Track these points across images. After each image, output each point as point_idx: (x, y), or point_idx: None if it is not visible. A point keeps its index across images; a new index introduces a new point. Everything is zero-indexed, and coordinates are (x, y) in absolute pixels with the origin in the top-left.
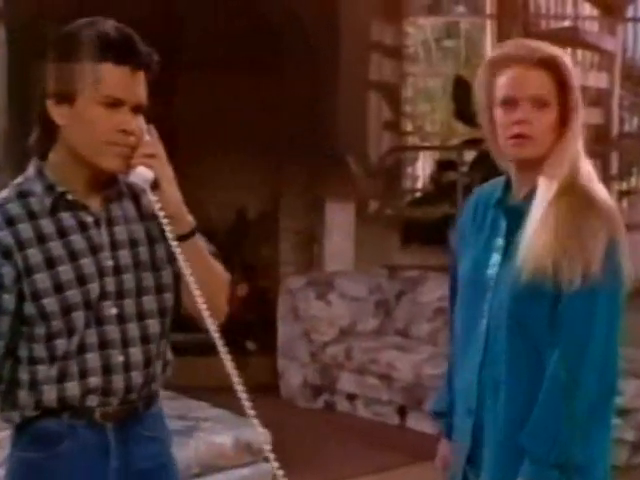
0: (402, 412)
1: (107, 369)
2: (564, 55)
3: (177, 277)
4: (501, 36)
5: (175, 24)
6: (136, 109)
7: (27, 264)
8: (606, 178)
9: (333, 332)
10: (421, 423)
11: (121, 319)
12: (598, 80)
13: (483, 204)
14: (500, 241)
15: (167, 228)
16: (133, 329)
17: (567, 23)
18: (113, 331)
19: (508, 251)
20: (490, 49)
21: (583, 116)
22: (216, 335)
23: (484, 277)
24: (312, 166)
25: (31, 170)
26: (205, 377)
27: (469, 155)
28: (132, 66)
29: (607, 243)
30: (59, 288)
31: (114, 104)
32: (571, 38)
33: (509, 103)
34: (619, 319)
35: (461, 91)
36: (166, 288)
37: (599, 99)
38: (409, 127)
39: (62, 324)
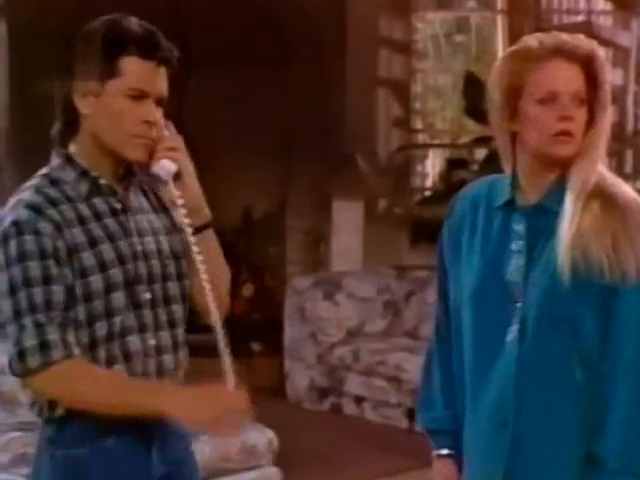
0: (411, 415)
1: (145, 353)
2: (599, 49)
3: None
4: (512, 31)
5: (179, 19)
6: (158, 102)
7: (74, 242)
8: (620, 177)
9: (340, 333)
10: None
11: (153, 303)
12: (612, 76)
13: (485, 205)
14: (519, 245)
15: (186, 220)
16: (162, 313)
17: (580, 18)
18: (147, 315)
19: (533, 255)
20: (501, 45)
21: (611, 115)
22: (218, 326)
23: (503, 283)
24: (319, 164)
25: (57, 159)
26: (209, 379)
27: (480, 153)
28: (157, 61)
29: None
30: (103, 266)
31: (139, 96)
32: (584, 33)
33: (550, 99)
34: None
35: (472, 88)
36: (185, 276)
37: (613, 96)
38: (419, 124)
39: (103, 305)
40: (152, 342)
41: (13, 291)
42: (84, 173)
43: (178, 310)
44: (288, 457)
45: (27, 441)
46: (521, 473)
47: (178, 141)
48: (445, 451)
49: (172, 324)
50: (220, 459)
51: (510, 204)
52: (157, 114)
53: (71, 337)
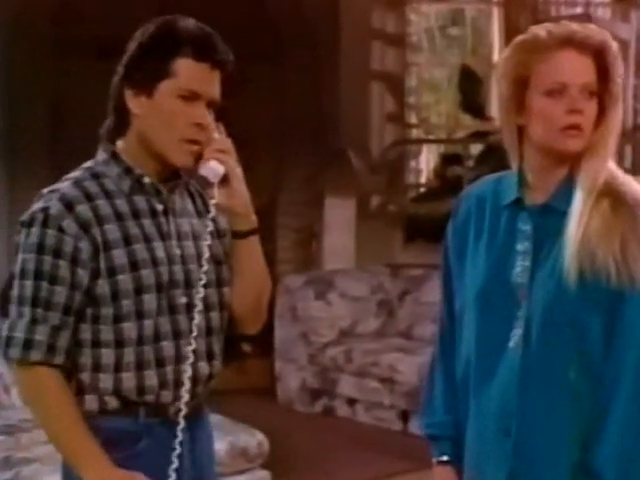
0: (404, 417)
1: (179, 359)
2: (611, 40)
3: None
4: (509, 24)
5: (172, 15)
6: (210, 105)
7: (105, 239)
8: None
9: (333, 333)
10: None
11: (189, 309)
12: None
13: (491, 204)
14: (526, 245)
15: (209, 227)
16: (200, 320)
17: (578, 10)
18: (183, 320)
19: (539, 256)
20: (497, 38)
21: (622, 110)
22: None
23: (509, 286)
24: (311, 160)
25: (103, 154)
26: None
27: (475, 148)
28: (211, 63)
29: None
30: (134, 266)
31: (191, 98)
32: None
33: (558, 91)
34: None
35: (467, 81)
36: (225, 282)
37: None
38: (413, 119)
39: (132, 305)
40: (187, 349)
41: (23, 275)
42: (128, 170)
43: (215, 318)
44: (279, 460)
45: (10, 445)
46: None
47: (228, 144)
48: (445, 457)
49: (209, 331)
50: None
51: (517, 203)
52: (208, 117)
53: (62, 342)
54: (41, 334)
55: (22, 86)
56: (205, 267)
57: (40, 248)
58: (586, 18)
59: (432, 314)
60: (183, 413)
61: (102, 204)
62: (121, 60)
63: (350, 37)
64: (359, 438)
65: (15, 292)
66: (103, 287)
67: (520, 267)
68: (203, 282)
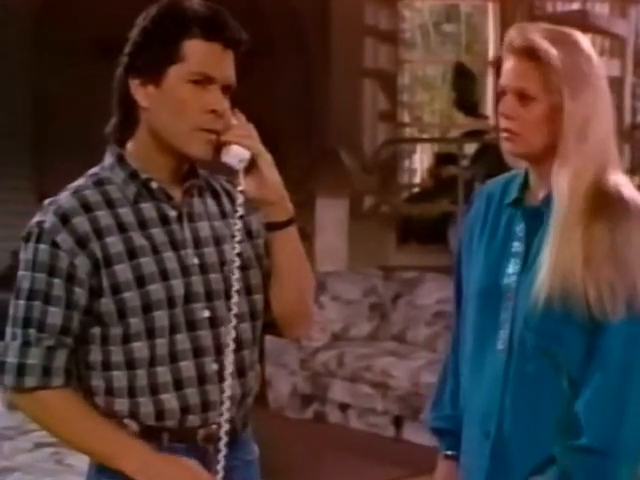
0: (398, 423)
1: (202, 379)
2: (542, 41)
3: (266, 276)
4: (504, 20)
5: None
6: (225, 90)
7: (107, 253)
8: None
9: (324, 337)
10: (418, 435)
11: (213, 323)
12: (609, 67)
13: (497, 202)
14: (518, 246)
15: (238, 223)
16: (225, 334)
17: (575, 6)
18: (206, 337)
19: (528, 259)
20: (493, 34)
21: (590, 112)
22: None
23: (500, 286)
24: (302, 160)
25: (109, 158)
26: None
27: (470, 148)
28: (223, 43)
29: None
30: (141, 281)
31: (204, 82)
32: (579, 22)
33: (501, 95)
34: None
35: (462, 79)
36: (255, 289)
37: (610, 88)
38: (406, 118)
39: (142, 324)
40: (214, 367)
41: (18, 294)
42: (133, 175)
43: (246, 329)
44: (270, 468)
45: None
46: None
47: (250, 129)
48: (450, 452)
49: (239, 345)
50: None
51: (517, 203)
52: (224, 103)
53: (58, 362)
54: (34, 357)
55: (2, 85)
56: (236, 274)
57: (33, 265)
58: (582, 14)
59: (426, 317)
60: (224, 439)
61: (102, 215)
62: (123, 49)
63: (341, 33)
64: (351, 445)
65: (10, 312)
66: (108, 306)
67: (512, 269)
68: (236, 288)
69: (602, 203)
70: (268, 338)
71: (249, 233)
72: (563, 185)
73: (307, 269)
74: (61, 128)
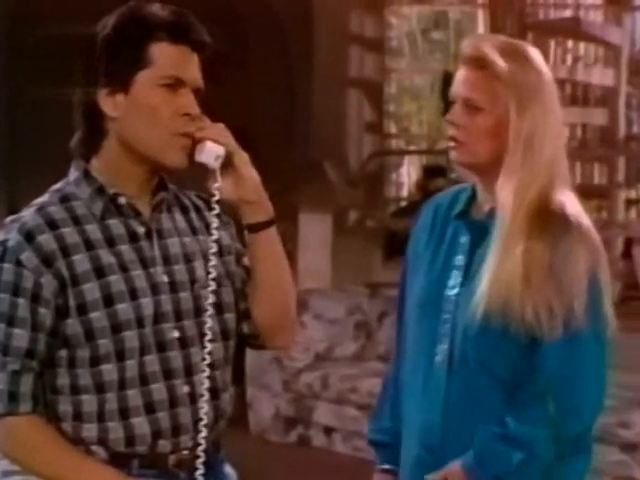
0: None
1: (173, 402)
2: (489, 49)
3: (245, 284)
4: (494, 28)
5: None
6: (194, 93)
7: (73, 272)
8: (612, 185)
9: (308, 358)
10: None
11: (182, 343)
12: (603, 77)
13: (443, 214)
14: (461, 259)
15: (215, 223)
16: (196, 354)
17: (568, 13)
18: (176, 358)
19: (469, 272)
20: None
21: (537, 128)
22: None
23: (441, 298)
24: (284, 172)
25: (74, 173)
26: None
27: None
28: (190, 45)
29: (589, 278)
30: (109, 300)
31: (175, 85)
32: (572, 30)
33: (451, 103)
34: (606, 361)
35: (451, 88)
36: (227, 308)
37: (604, 98)
38: (393, 129)
39: (111, 345)
40: (185, 389)
41: None
42: (100, 190)
43: (218, 349)
44: None
45: None
46: None
47: (224, 128)
48: (386, 466)
49: (211, 367)
50: None
51: (463, 215)
52: (196, 106)
53: (24, 387)
54: (0, 382)
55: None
56: (211, 287)
57: None
58: (575, 22)
59: None
60: (200, 470)
61: (68, 232)
62: (85, 59)
63: (325, 41)
64: (336, 470)
65: None
66: (74, 327)
67: (453, 281)
68: (209, 312)
69: (544, 219)
70: (249, 358)
71: (219, 250)
72: (507, 199)
73: (289, 272)
74: (34, 140)
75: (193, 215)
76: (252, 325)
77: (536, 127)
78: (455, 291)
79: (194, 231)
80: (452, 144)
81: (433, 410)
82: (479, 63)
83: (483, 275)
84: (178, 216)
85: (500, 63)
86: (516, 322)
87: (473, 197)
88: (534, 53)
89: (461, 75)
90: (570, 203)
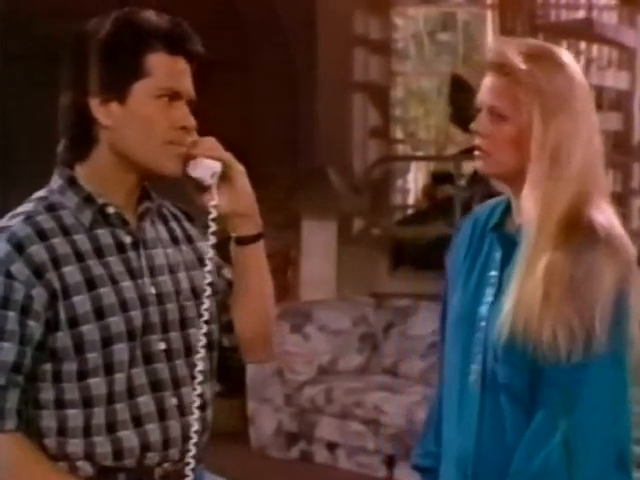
0: (390, 463)
1: (162, 414)
2: (515, 57)
3: (225, 294)
4: (504, 29)
5: None
6: (189, 104)
7: (65, 284)
8: (626, 192)
9: (311, 371)
10: (412, 476)
11: (169, 356)
12: (617, 80)
13: (481, 227)
14: (494, 275)
15: (212, 227)
16: (182, 366)
17: (580, 14)
18: (162, 370)
19: (501, 288)
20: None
21: (564, 137)
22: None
23: (475, 315)
24: (287, 179)
25: (58, 181)
26: None
27: (468, 166)
28: (186, 56)
29: (615, 296)
30: (100, 313)
31: (171, 97)
32: (585, 31)
33: (477, 111)
34: (627, 386)
35: (459, 92)
36: (211, 319)
37: (618, 102)
38: (399, 134)
39: (100, 358)
40: (173, 401)
41: None
42: (88, 199)
43: (204, 361)
44: None
45: None
46: None
47: (215, 142)
48: None
49: (196, 378)
50: None
51: (498, 228)
52: (192, 118)
53: (10, 403)
54: None
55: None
56: (206, 304)
57: None
58: (588, 23)
59: (420, 349)
60: (190, 477)
61: (58, 243)
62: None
63: (329, 43)
64: None
65: None
66: (64, 340)
67: (487, 297)
68: (205, 318)
69: (570, 232)
70: (250, 371)
71: (200, 261)
72: (532, 212)
73: (271, 286)
74: (27, 140)
75: (174, 225)
76: (233, 338)
77: (564, 136)
78: (487, 308)
79: (175, 241)
80: (478, 154)
81: (467, 435)
82: (503, 69)
83: (509, 293)
84: (160, 226)
85: (523, 68)
86: (536, 344)
87: (508, 209)
88: (564, 57)
89: (487, 82)
90: (603, 215)
